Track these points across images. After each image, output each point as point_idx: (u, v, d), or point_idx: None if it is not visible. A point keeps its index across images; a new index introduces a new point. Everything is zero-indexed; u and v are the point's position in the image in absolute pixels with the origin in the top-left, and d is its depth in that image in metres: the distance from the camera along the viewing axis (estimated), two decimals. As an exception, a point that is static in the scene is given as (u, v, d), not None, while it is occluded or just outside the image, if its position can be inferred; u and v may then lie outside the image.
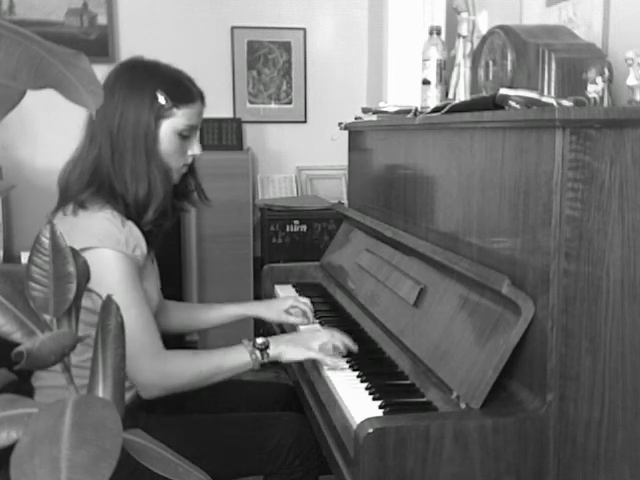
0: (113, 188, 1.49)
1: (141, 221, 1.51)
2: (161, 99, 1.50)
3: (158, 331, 1.48)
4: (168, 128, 1.52)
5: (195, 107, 1.56)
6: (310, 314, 1.88)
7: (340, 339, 1.56)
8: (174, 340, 1.75)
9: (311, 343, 1.53)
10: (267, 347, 1.51)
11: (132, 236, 1.47)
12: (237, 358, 1.50)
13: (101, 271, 1.40)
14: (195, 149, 1.59)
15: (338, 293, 2.09)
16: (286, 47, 3.72)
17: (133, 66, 1.57)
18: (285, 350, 1.52)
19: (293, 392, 1.71)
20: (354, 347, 1.56)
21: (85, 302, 1.36)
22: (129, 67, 1.57)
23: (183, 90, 1.55)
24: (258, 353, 1.50)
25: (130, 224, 1.49)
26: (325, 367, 1.52)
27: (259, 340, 1.51)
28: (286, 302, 1.90)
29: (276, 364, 1.58)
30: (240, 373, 1.51)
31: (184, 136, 1.55)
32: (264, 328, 2.23)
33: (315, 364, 1.57)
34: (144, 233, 1.52)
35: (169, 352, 1.48)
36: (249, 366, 1.50)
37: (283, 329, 1.92)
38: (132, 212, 1.50)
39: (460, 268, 1.37)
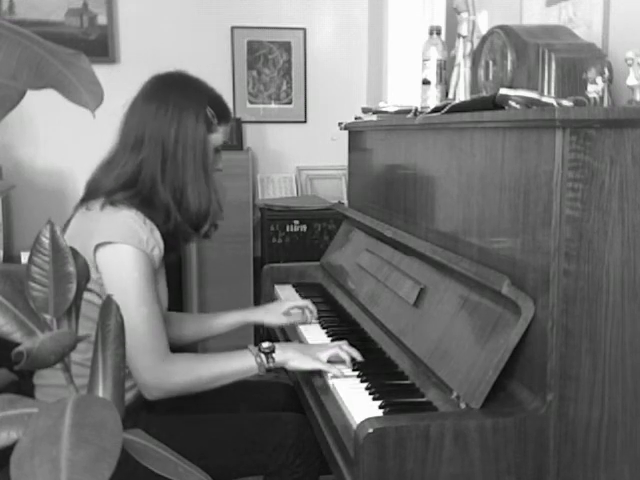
0: (154, 194, 1.52)
1: (199, 231, 1.59)
2: (210, 115, 1.56)
3: (165, 333, 1.49)
4: (211, 143, 1.58)
5: (229, 125, 1.64)
6: (309, 314, 1.88)
7: (347, 351, 1.54)
8: (175, 347, 1.75)
9: (319, 354, 1.53)
10: (273, 351, 1.51)
11: (152, 236, 1.49)
12: (242, 362, 1.50)
13: (118, 266, 1.44)
14: (220, 165, 1.66)
15: (338, 293, 2.09)
16: (286, 47, 3.71)
17: (182, 80, 1.61)
18: (292, 357, 1.52)
19: (293, 392, 1.71)
20: (360, 358, 1.54)
21: (94, 298, 1.38)
22: (178, 80, 1.61)
23: (224, 108, 1.62)
24: (263, 357, 1.50)
25: (151, 225, 1.50)
26: (329, 374, 1.49)
27: (265, 344, 1.52)
28: (285, 305, 1.90)
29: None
30: (245, 378, 1.52)
31: (217, 151, 1.62)
32: (264, 334, 2.21)
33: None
34: (164, 239, 1.53)
35: (173, 355, 1.49)
36: (254, 370, 1.50)
37: (286, 335, 1.90)
38: (190, 223, 1.56)
39: (460, 268, 1.37)
